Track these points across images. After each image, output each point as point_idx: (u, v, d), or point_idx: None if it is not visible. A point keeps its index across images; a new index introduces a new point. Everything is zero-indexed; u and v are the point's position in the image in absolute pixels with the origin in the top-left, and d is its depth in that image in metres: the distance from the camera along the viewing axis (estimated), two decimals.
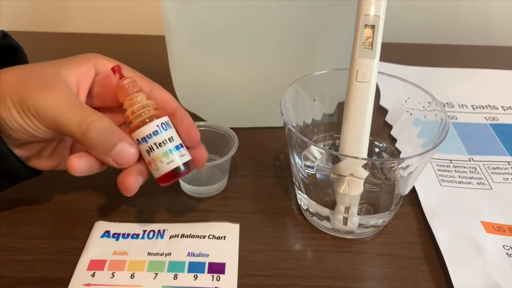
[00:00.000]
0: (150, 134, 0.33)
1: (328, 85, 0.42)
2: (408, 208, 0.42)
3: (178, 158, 0.34)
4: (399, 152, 0.43)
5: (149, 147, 0.33)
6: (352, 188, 0.36)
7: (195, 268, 0.35)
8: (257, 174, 0.45)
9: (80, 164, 0.33)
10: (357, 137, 0.36)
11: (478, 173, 0.46)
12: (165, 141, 0.34)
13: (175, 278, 0.34)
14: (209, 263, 0.36)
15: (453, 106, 0.56)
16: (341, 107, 0.38)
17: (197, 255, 0.36)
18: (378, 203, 0.38)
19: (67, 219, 0.40)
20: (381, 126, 0.46)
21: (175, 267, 0.35)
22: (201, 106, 0.51)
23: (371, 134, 0.37)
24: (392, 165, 0.38)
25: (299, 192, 0.40)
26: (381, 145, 0.44)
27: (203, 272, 0.35)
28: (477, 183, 0.44)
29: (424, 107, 0.41)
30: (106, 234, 0.38)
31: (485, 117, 0.54)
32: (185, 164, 0.34)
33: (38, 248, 0.37)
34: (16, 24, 0.72)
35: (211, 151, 0.44)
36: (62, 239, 0.38)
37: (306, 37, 0.45)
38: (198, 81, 0.49)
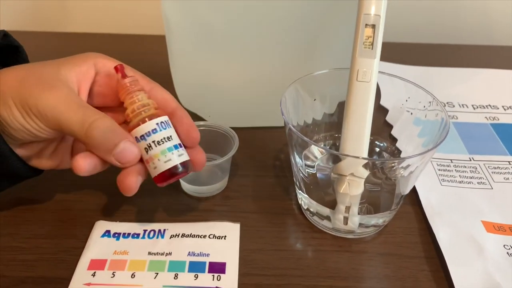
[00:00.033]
0: (149, 132, 0.33)
1: (328, 85, 0.42)
2: (408, 207, 0.42)
3: (176, 157, 0.34)
4: (399, 151, 0.43)
5: (147, 145, 0.33)
6: (353, 187, 0.36)
7: (196, 267, 0.35)
8: (257, 174, 0.45)
9: (85, 164, 0.33)
10: (357, 136, 0.36)
11: (479, 172, 0.46)
12: (163, 140, 0.34)
13: (175, 277, 0.34)
14: (210, 263, 0.36)
15: (454, 106, 0.56)
16: (341, 107, 0.38)
17: (198, 255, 0.36)
18: (379, 203, 0.38)
19: (67, 219, 0.40)
20: (381, 126, 0.46)
21: (176, 267, 0.35)
22: (202, 106, 0.51)
23: (372, 133, 0.37)
24: (393, 164, 0.38)
25: (300, 191, 0.40)
26: (381, 144, 0.44)
27: (203, 271, 0.35)
28: (477, 183, 0.44)
29: (424, 106, 0.41)
30: (107, 233, 0.38)
31: (486, 117, 0.54)
32: (183, 163, 0.34)
33: (38, 248, 0.37)
34: (16, 24, 0.72)
35: (212, 150, 0.44)
36: (62, 238, 0.38)
37: (307, 36, 0.45)
38: (199, 80, 0.49)
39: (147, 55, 0.58)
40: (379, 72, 0.37)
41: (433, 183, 0.44)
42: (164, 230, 0.38)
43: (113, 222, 0.39)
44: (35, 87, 0.32)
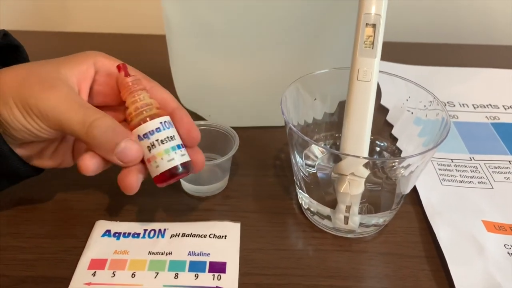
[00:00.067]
0: (152, 131, 0.33)
1: (329, 84, 0.42)
2: (409, 207, 0.42)
3: (179, 157, 0.34)
4: (400, 151, 0.43)
5: (150, 144, 0.33)
6: (353, 187, 0.36)
7: (196, 267, 0.35)
8: (258, 173, 0.45)
9: (91, 164, 0.33)
10: (358, 136, 0.36)
11: (479, 172, 0.46)
12: (167, 139, 0.34)
13: (176, 277, 0.34)
14: (210, 262, 0.35)
15: (454, 105, 0.56)
16: (342, 106, 0.38)
17: (198, 254, 0.36)
18: (379, 202, 0.38)
19: (68, 218, 0.40)
20: (382, 125, 0.46)
21: (176, 266, 0.35)
22: (202, 106, 0.51)
23: (372, 133, 0.37)
24: (393, 164, 0.38)
25: (300, 191, 0.40)
26: (382, 144, 0.44)
27: (204, 271, 0.35)
28: (478, 182, 0.44)
29: (425, 106, 0.41)
30: (107, 233, 0.38)
31: (486, 116, 0.54)
32: (185, 164, 0.34)
33: (39, 247, 0.37)
34: (17, 24, 0.72)
35: (212, 150, 0.44)
36: (63, 238, 0.38)
37: (307, 36, 0.45)
38: (199, 80, 0.49)
39: (147, 54, 0.58)
40: (380, 71, 0.37)
41: (434, 182, 0.44)
42: (165, 229, 0.38)
43: (113, 221, 0.39)
44: (35, 87, 0.32)
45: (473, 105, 0.56)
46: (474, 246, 0.38)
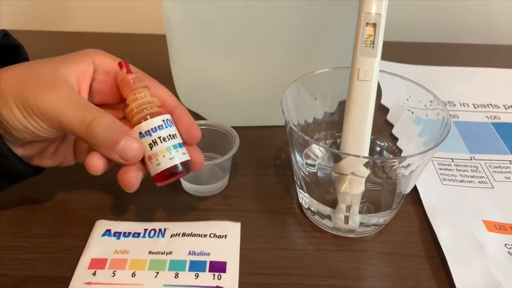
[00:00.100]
0: (155, 128, 0.33)
1: (329, 84, 0.42)
2: (409, 207, 0.42)
3: (180, 156, 0.34)
4: (400, 151, 0.43)
5: (152, 141, 0.33)
6: (354, 186, 0.36)
7: (196, 266, 0.35)
8: (258, 173, 0.45)
9: (100, 163, 0.33)
10: (358, 135, 0.36)
11: (480, 172, 0.46)
12: (169, 136, 0.33)
13: (176, 277, 0.34)
14: (210, 262, 0.35)
15: (455, 105, 0.56)
16: (342, 106, 0.38)
17: (198, 254, 0.36)
18: (380, 202, 0.38)
19: (68, 218, 0.40)
20: (382, 125, 0.45)
21: (176, 266, 0.35)
22: (202, 105, 0.51)
23: (373, 133, 0.37)
24: (394, 163, 0.37)
25: (300, 190, 0.40)
26: (382, 144, 0.44)
27: (204, 270, 0.35)
28: (478, 182, 0.44)
29: (425, 105, 0.41)
30: (107, 233, 0.38)
31: (487, 116, 0.54)
32: (185, 163, 0.34)
33: (39, 247, 0.37)
34: (17, 23, 0.72)
35: (212, 150, 0.44)
36: (63, 238, 0.38)
37: (307, 35, 0.45)
38: (199, 80, 0.49)
39: (147, 54, 0.58)
40: (380, 71, 0.37)
41: (434, 182, 0.44)
42: (165, 229, 0.38)
43: (113, 221, 0.39)
44: (35, 87, 0.32)
45: (473, 104, 0.56)
46: (475, 246, 0.38)
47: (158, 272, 0.35)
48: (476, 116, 0.54)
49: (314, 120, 0.44)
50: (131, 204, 0.41)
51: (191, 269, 0.35)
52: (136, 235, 0.38)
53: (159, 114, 0.34)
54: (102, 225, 0.38)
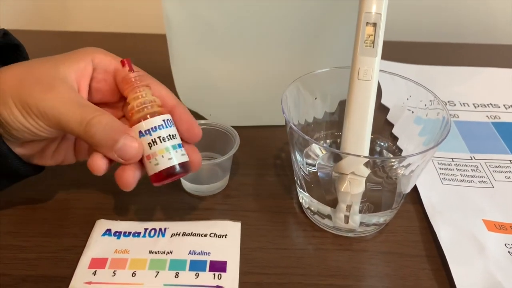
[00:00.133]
0: (155, 127, 0.33)
1: (329, 83, 0.42)
2: (409, 206, 0.42)
3: (179, 157, 0.34)
4: (400, 150, 0.43)
5: (151, 140, 0.33)
6: (354, 186, 0.36)
7: (197, 266, 0.35)
8: (258, 173, 0.45)
9: (103, 163, 0.32)
10: (358, 135, 0.36)
11: (480, 171, 0.46)
12: (169, 137, 0.33)
13: (176, 276, 0.34)
14: (211, 261, 0.35)
15: (455, 105, 0.56)
16: (342, 105, 0.38)
17: (199, 253, 0.36)
18: (380, 202, 0.38)
19: (68, 218, 0.40)
20: (382, 125, 0.45)
21: (177, 266, 0.35)
22: (202, 105, 0.51)
23: (373, 132, 0.37)
24: (394, 163, 0.37)
25: (301, 190, 0.40)
26: (382, 143, 0.44)
27: (204, 270, 0.35)
28: (478, 182, 0.44)
29: (425, 105, 0.41)
30: (108, 232, 0.38)
31: (487, 116, 0.54)
32: (184, 164, 0.34)
33: (39, 247, 0.37)
34: (16, 23, 0.72)
35: (212, 149, 0.44)
36: (63, 237, 0.38)
37: (308, 35, 0.45)
38: (199, 79, 0.49)
39: (147, 54, 0.58)
40: (380, 70, 0.37)
41: (434, 182, 0.44)
42: (165, 228, 0.38)
43: (113, 221, 0.39)
44: (34, 87, 0.32)
45: (473, 104, 0.56)
46: (475, 245, 0.38)
47: (158, 272, 0.35)
48: (476, 116, 0.54)
49: (314, 120, 0.44)
50: (132, 204, 0.41)
51: (191, 268, 0.35)
52: (136, 234, 0.38)
53: (159, 113, 0.34)
54: (102, 224, 0.38)
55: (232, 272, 0.35)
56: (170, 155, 0.33)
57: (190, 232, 0.38)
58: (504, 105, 0.56)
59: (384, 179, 0.37)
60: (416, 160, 0.35)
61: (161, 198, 0.41)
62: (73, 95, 0.33)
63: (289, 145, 0.40)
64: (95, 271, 0.35)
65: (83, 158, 0.38)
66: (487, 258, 0.37)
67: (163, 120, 0.33)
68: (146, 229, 0.38)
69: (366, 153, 0.37)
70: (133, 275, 0.34)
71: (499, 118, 0.53)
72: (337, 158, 0.37)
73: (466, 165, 0.46)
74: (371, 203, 0.38)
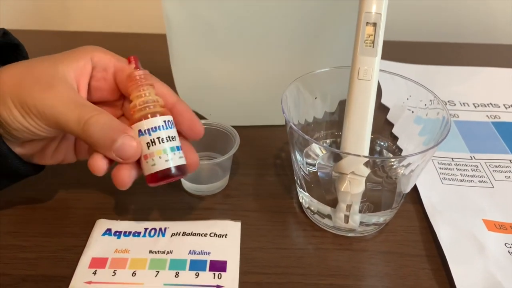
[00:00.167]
0: (154, 127, 0.33)
1: (329, 83, 0.42)
2: (409, 206, 0.42)
3: (176, 159, 0.33)
4: (400, 150, 0.43)
5: (150, 140, 0.33)
6: (354, 186, 0.36)
7: (197, 266, 0.35)
8: (258, 172, 0.45)
9: (103, 164, 0.32)
10: (358, 135, 0.36)
11: (480, 171, 0.46)
12: (168, 138, 0.33)
13: (176, 276, 0.34)
14: (211, 261, 0.36)
15: (455, 104, 0.56)
16: (342, 105, 0.38)
17: (199, 253, 0.36)
18: (380, 201, 0.38)
19: (68, 217, 0.40)
20: (382, 124, 0.45)
21: (177, 265, 0.35)
22: (203, 105, 0.51)
23: (373, 132, 0.37)
24: (394, 163, 0.37)
25: (301, 190, 0.40)
26: (382, 143, 0.44)
27: (204, 270, 0.35)
28: (478, 181, 0.44)
29: (425, 105, 0.41)
30: (108, 232, 0.38)
31: (487, 115, 0.54)
32: (181, 166, 0.34)
33: (39, 246, 0.37)
34: (16, 23, 0.72)
35: (213, 149, 0.44)
36: (63, 237, 0.38)
37: (308, 35, 0.45)
38: (200, 79, 0.49)
39: (148, 54, 0.58)
40: (380, 70, 0.37)
41: (434, 181, 0.44)
42: (165, 228, 0.38)
43: (114, 220, 0.39)
44: (33, 86, 0.32)
45: (473, 104, 0.56)
46: (475, 245, 0.38)
47: (158, 271, 0.35)
48: (476, 116, 0.54)
49: (314, 120, 0.44)
50: (132, 204, 0.41)
51: (191, 268, 0.35)
52: (136, 234, 0.38)
53: (161, 114, 0.34)
54: (102, 224, 0.38)
55: (232, 271, 0.35)
56: (167, 156, 0.33)
57: (190, 232, 0.38)
58: (504, 105, 0.56)
59: (384, 178, 0.37)
60: (416, 159, 0.35)
61: (161, 198, 0.41)
62: (72, 94, 0.33)
63: (289, 145, 0.40)
64: (95, 270, 0.35)
65: (84, 157, 0.38)
66: (487, 258, 0.37)
67: (164, 121, 0.33)
68: (146, 229, 0.38)
69: (366, 152, 0.37)
70: (133, 274, 0.34)
71: (499, 118, 0.53)
72: (337, 157, 0.37)
73: (466, 165, 0.46)
74: (371, 202, 0.38)
